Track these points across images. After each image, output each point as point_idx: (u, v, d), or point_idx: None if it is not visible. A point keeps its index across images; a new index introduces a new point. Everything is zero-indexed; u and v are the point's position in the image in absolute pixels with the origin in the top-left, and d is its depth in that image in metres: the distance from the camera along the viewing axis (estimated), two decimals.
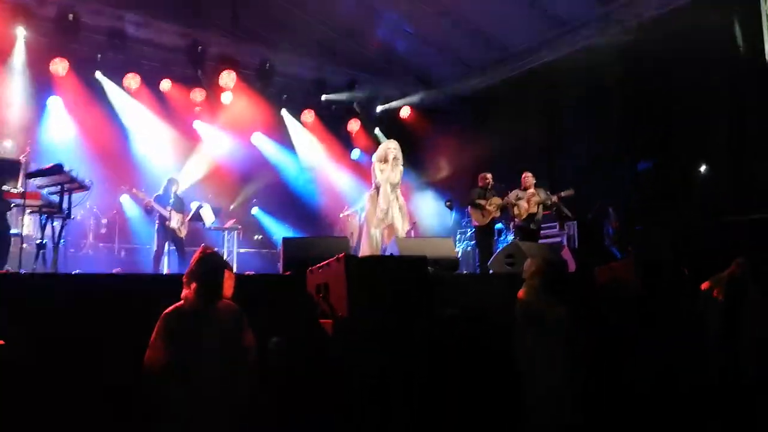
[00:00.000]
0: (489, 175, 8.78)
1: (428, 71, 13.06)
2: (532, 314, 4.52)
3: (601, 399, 4.80)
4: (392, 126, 12.81)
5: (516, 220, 8.53)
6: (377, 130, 13.39)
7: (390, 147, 6.93)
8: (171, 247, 8.67)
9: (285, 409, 3.77)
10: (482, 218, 8.54)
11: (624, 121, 10.02)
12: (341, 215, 11.57)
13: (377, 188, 6.79)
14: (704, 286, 5.48)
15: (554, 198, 8.44)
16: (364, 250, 6.67)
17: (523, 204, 8.38)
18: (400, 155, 6.97)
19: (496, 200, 8.54)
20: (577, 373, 4.49)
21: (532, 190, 8.50)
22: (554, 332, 4.46)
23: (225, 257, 6.86)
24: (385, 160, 6.85)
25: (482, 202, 8.53)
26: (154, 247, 8.57)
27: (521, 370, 4.56)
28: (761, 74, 8.04)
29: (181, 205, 8.81)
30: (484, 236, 8.69)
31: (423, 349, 3.91)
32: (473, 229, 9.44)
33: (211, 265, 3.25)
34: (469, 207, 8.70)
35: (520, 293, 4.66)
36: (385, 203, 6.69)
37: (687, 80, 9.04)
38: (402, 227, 6.84)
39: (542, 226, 9.57)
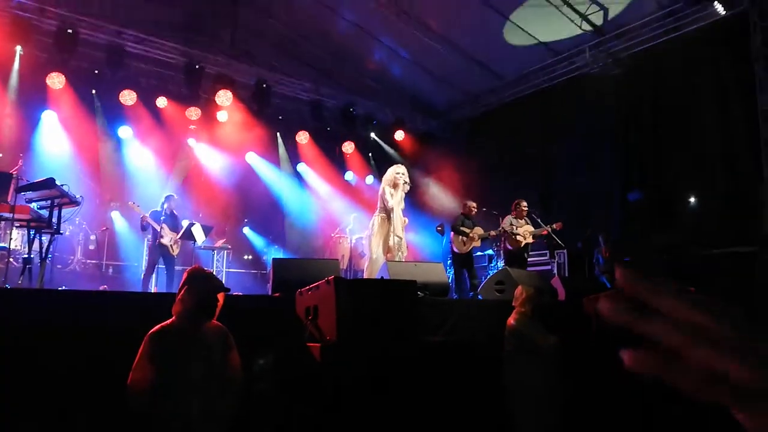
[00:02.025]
0: (473, 204, 8.84)
1: (423, 96, 13.22)
2: (523, 341, 4.52)
3: (591, 422, 4.79)
4: (385, 150, 12.89)
5: (511, 247, 8.51)
6: (370, 154, 13.51)
7: (399, 172, 6.93)
8: (160, 266, 8.59)
9: (270, 430, 3.72)
10: (463, 246, 8.56)
11: (616, 151, 10.14)
12: (333, 236, 11.55)
13: (388, 213, 6.77)
14: None
15: (547, 229, 8.51)
16: (371, 274, 6.60)
17: (521, 234, 8.43)
18: (408, 180, 7.01)
19: (478, 230, 8.59)
20: (567, 399, 4.47)
21: (524, 219, 8.57)
22: (545, 359, 4.46)
23: None
24: (395, 185, 6.86)
25: (466, 229, 8.57)
26: (144, 265, 8.47)
27: (511, 396, 4.54)
28: (751, 105, 8.20)
29: (174, 223, 8.74)
30: (459, 264, 8.69)
31: (411, 374, 3.88)
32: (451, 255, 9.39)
33: (211, 288, 3.23)
34: (452, 233, 8.72)
35: (510, 320, 4.66)
36: (400, 230, 6.69)
37: (678, 111, 9.21)
38: (401, 250, 6.85)
39: (533, 254, 9.63)
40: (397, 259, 6.65)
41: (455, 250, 8.67)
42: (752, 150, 8.15)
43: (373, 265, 6.61)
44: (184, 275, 3.27)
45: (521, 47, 10.51)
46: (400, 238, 6.69)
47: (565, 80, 10.74)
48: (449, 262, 10.89)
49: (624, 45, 9.71)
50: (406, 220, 6.98)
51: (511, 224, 8.44)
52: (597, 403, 4.97)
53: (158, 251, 8.38)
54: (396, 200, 6.76)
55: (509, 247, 8.50)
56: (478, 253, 10.88)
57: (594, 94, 10.21)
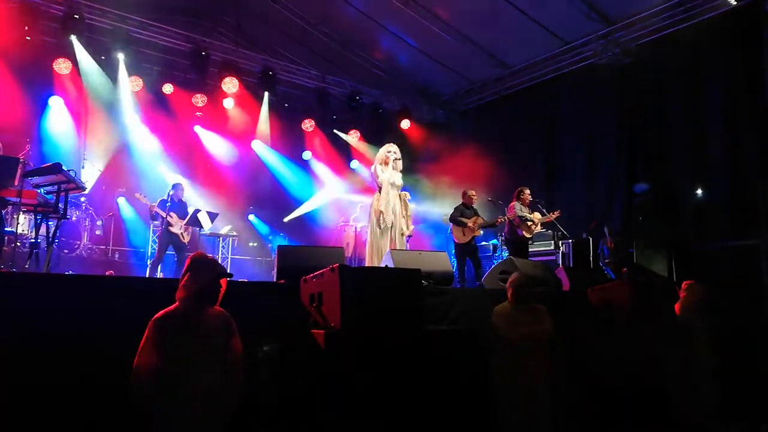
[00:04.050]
0: (473, 193, 8.78)
1: (430, 85, 13.15)
2: (498, 329, 4.50)
3: (577, 412, 4.81)
4: (391, 138, 12.83)
5: (523, 234, 8.44)
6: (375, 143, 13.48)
7: (390, 150, 7.02)
8: (170, 252, 8.63)
9: (274, 417, 3.75)
10: (463, 236, 8.51)
11: (621, 142, 10.07)
12: (338, 224, 11.58)
13: (380, 189, 6.85)
14: (677, 306, 5.47)
15: (551, 216, 8.49)
16: (370, 254, 6.67)
17: (534, 221, 8.41)
18: (399, 157, 7.06)
19: (479, 219, 8.53)
20: (548, 388, 4.44)
21: (528, 207, 8.54)
22: (521, 353, 4.41)
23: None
24: (385, 162, 6.94)
25: (465, 219, 8.51)
26: (149, 251, 8.52)
27: (494, 383, 4.50)
28: (757, 97, 8.12)
29: (182, 211, 8.77)
30: (461, 254, 8.67)
31: (414, 363, 3.90)
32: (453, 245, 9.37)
33: (213, 274, 3.25)
34: (451, 223, 8.69)
35: (496, 309, 4.66)
36: (386, 205, 6.73)
37: (684, 102, 9.13)
38: (406, 227, 6.89)
39: (538, 243, 9.62)
40: (396, 239, 6.68)
41: (455, 240, 8.65)
42: (759, 142, 8.09)
43: (370, 246, 6.69)
44: (187, 261, 3.29)
45: (529, 36, 10.41)
46: (383, 215, 6.72)
47: (572, 70, 10.65)
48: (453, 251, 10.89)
49: (633, 35, 9.62)
50: (407, 194, 7.02)
51: (522, 211, 8.40)
52: (592, 401, 4.97)
53: (168, 239, 8.44)
54: (386, 176, 6.80)
55: (520, 234, 8.43)
56: (483, 243, 10.87)
57: (601, 85, 10.12)
